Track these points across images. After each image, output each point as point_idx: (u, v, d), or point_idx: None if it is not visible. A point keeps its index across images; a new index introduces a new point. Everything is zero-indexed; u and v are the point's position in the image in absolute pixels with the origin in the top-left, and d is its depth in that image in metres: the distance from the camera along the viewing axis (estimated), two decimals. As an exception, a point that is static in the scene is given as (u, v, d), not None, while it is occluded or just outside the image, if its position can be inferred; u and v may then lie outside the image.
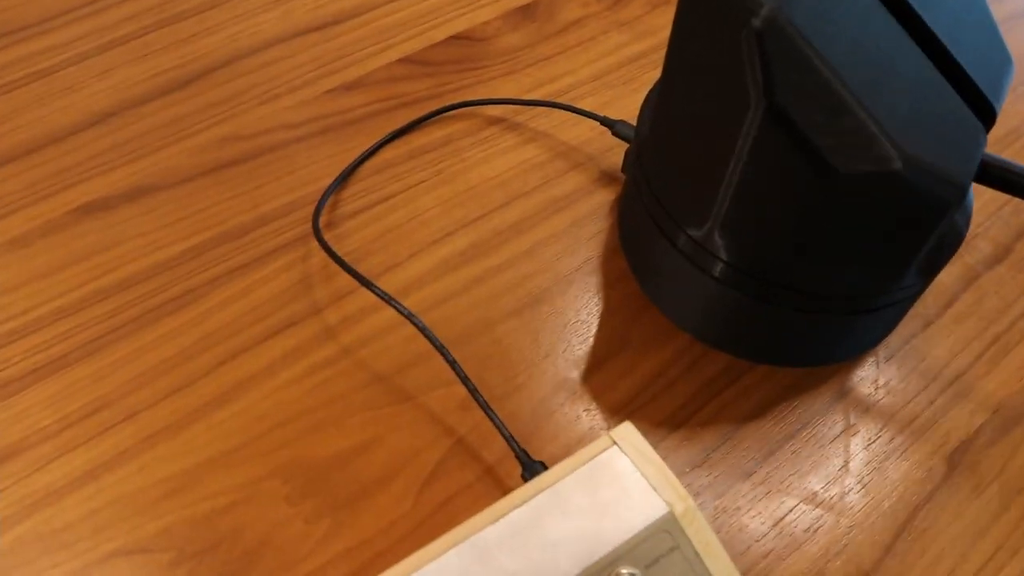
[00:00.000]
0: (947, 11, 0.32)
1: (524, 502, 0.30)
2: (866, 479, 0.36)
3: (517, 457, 0.33)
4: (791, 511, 0.35)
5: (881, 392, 0.38)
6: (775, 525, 0.35)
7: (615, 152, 0.44)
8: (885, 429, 0.37)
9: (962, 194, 0.30)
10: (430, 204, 0.42)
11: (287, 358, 0.38)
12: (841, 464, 0.36)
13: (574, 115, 0.45)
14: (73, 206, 0.42)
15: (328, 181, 0.43)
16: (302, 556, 0.34)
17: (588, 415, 0.37)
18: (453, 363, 0.35)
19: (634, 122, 0.45)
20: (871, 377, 0.39)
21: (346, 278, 0.40)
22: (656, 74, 0.48)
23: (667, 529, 0.29)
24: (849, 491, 0.36)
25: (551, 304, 0.40)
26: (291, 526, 0.34)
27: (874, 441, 0.37)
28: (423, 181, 0.43)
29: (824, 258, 0.33)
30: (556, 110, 0.45)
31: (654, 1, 0.51)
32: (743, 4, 0.28)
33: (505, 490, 0.35)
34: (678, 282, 0.37)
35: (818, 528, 0.35)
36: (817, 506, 0.35)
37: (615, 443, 0.31)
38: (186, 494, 0.35)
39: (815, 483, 0.36)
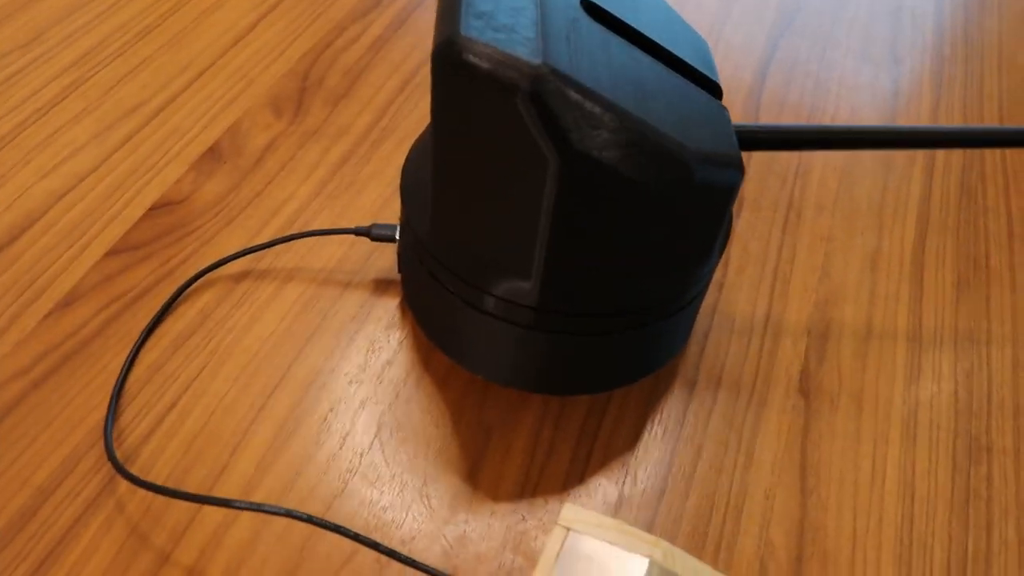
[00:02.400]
0: (648, 19, 0.35)
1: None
2: (755, 439, 0.38)
3: (469, 594, 0.31)
4: (717, 487, 0.36)
5: (721, 361, 0.41)
6: (711, 500, 0.36)
7: (378, 255, 0.43)
8: (743, 390, 0.40)
9: (742, 170, 0.33)
10: (223, 389, 0.38)
11: (160, 625, 0.32)
12: (733, 435, 0.38)
13: (319, 237, 0.43)
14: None
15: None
16: None
17: (496, 516, 0.35)
18: (356, 535, 0.31)
19: (382, 220, 0.43)
20: (707, 354, 0.41)
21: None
22: (371, 167, 0.47)
23: (660, 581, 0.29)
24: (749, 451, 0.38)
25: (403, 429, 0.37)
26: None
27: (740, 405, 0.39)
28: (203, 368, 0.38)
29: (649, 271, 0.34)
30: (298, 240, 0.43)
31: (331, 100, 0.50)
32: (506, 75, 0.28)
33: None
34: (513, 349, 0.37)
35: (745, 493, 0.36)
36: (732, 472, 0.37)
37: (569, 529, 0.30)
38: None
39: (720, 456, 0.37)
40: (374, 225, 0.41)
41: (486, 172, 0.32)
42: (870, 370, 0.41)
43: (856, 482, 0.38)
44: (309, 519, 0.32)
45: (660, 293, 0.35)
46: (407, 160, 0.39)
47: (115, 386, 0.37)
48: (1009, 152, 0.53)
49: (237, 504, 0.32)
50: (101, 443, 0.36)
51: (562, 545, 0.30)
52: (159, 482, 0.35)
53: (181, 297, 0.41)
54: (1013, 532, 0.37)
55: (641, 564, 0.29)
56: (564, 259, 0.33)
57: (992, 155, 0.53)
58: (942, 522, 0.37)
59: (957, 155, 0.52)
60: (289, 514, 0.32)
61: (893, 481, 0.38)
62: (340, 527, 0.32)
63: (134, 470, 0.35)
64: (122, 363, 0.38)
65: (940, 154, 0.52)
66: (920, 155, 0.51)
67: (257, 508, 0.32)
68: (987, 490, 0.38)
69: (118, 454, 0.36)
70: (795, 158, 0.49)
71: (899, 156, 0.51)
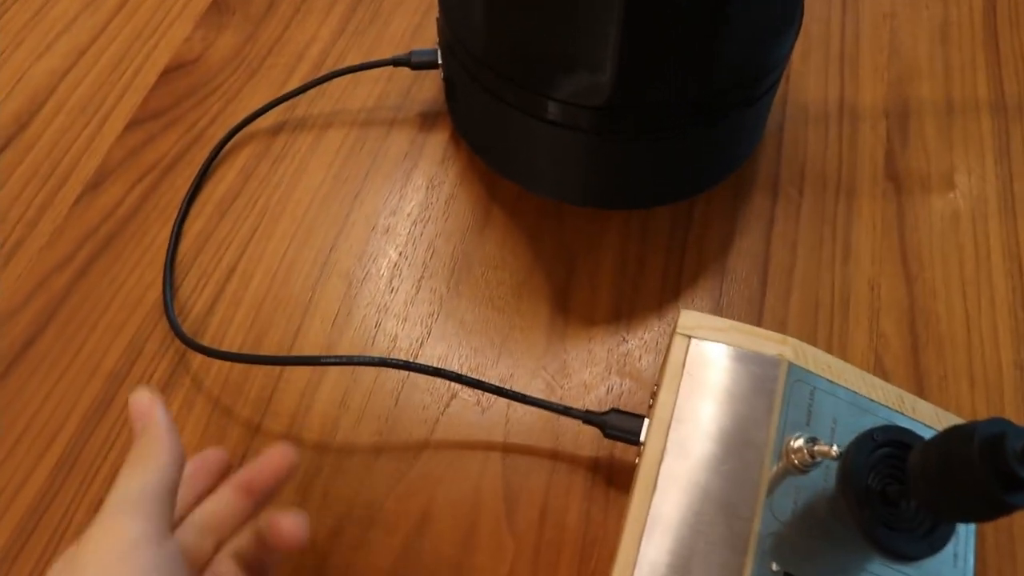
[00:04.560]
0: None
1: (662, 450, 0.26)
2: (850, 230, 0.36)
3: (587, 421, 0.29)
4: (819, 283, 0.34)
5: (801, 153, 0.38)
6: (815, 296, 0.34)
7: (418, 87, 0.40)
8: (829, 180, 0.37)
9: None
10: (281, 248, 0.35)
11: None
12: (827, 228, 0.36)
13: (351, 75, 0.40)
14: None
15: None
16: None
17: (595, 341, 0.33)
18: (457, 376, 0.30)
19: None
20: (785, 148, 0.38)
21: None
22: (392, -2, 0.43)
23: (796, 378, 0.27)
24: (846, 243, 0.35)
25: (481, 264, 0.35)
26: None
27: (829, 196, 0.37)
28: (256, 229, 0.36)
29: (729, 44, 0.31)
30: (331, 82, 0.39)
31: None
32: None
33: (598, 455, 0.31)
34: (584, 161, 0.33)
35: (848, 286, 0.34)
36: (832, 266, 0.35)
37: (690, 336, 0.28)
38: None
39: (817, 251, 0.35)
40: (413, 52, 0.37)
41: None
42: (958, 146, 0.39)
43: (961, 262, 0.36)
44: (406, 365, 0.30)
45: (737, 75, 0.32)
46: (443, -27, 0.35)
47: (166, 260, 0.35)
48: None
49: (325, 360, 0.30)
50: (163, 321, 0.34)
51: (686, 353, 0.28)
52: (232, 352, 0.33)
53: (217, 159, 0.38)
54: None
55: (774, 363, 0.27)
56: (640, 39, 0.29)
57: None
58: (1055, 291, 0.35)
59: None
60: (384, 363, 0.30)
61: (999, 256, 0.36)
62: (440, 369, 0.30)
63: (203, 343, 0.33)
64: (168, 237, 0.36)
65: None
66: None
67: (348, 361, 0.30)
68: (1096, 253, 0.36)
69: (184, 329, 0.33)
70: (846, -68, 0.45)
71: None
